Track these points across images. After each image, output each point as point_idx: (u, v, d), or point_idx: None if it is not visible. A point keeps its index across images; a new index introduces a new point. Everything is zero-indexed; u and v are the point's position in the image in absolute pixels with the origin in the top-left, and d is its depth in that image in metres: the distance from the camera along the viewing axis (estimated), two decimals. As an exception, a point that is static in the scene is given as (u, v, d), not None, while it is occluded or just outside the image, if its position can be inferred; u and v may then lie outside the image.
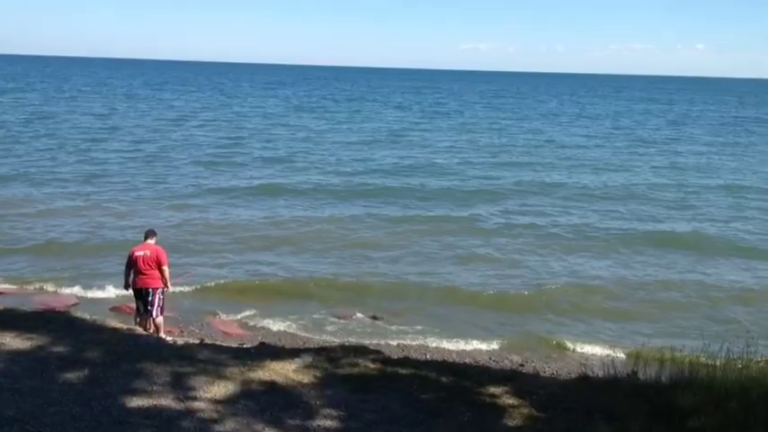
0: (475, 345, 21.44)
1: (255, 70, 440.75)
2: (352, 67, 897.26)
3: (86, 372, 11.51)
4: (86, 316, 18.30)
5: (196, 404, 10.48)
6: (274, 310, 23.73)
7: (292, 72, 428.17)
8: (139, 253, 18.63)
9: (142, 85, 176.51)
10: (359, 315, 23.54)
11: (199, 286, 25.23)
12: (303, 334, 21.73)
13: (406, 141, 69.73)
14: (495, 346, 21.49)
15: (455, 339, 21.68)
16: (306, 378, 12.04)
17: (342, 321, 23.13)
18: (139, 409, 10.17)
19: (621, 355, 20.35)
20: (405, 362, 14.50)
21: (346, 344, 19.15)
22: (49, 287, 24.92)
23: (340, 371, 12.80)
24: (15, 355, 12.31)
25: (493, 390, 11.97)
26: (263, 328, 22.18)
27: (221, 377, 11.67)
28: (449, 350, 20.89)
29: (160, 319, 18.92)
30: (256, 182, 44.76)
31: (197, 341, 18.03)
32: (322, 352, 15.00)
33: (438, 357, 19.15)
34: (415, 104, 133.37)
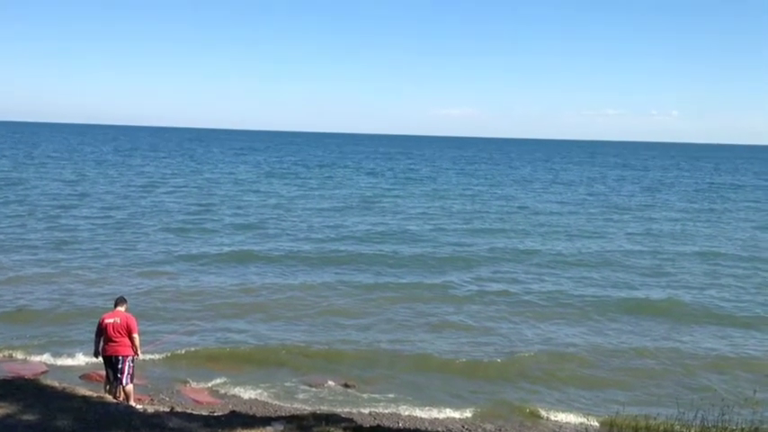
0: (448, 413, 21.27)
1: (226, 136, 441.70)
2: (324, 132, 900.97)
3: (55, 441, 11.31)
4: (56, 384, 18.09)
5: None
6: (245, 377, 23.53)
7: (263, 138, 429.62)
8: (109, 320, 18.46)
9: (112, 150, 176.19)
10: (330, 383, 23.37)
11: (169, 354, 24.97)
12: (274, 402, 21.51)
13: (378, 208, 69.69)
14: (468, 414, 21.33)
15: (428, 407, 21.50)
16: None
17: (313, 389, 22.94)
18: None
19: (596, 424, 20.27)
20: (377, 430, 14.37)
21: (318, 412, 19.00)
22: (19, 355, 24.62)
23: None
24: (-18, 424, 12.10)
25: (468, 459, 11.84)
26: (233, 395, 21.96)
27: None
28: (421, 418, 20.72)
29: (130, 387, 18.67)
30: (227, 249, 44.54)
31: (167, 409, 17.85)
32: (293, 420, 14.85)
33: (410, 426, 19.01)
34: (388, 170, 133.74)
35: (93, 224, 52.09)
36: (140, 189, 79.85)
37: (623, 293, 36.14)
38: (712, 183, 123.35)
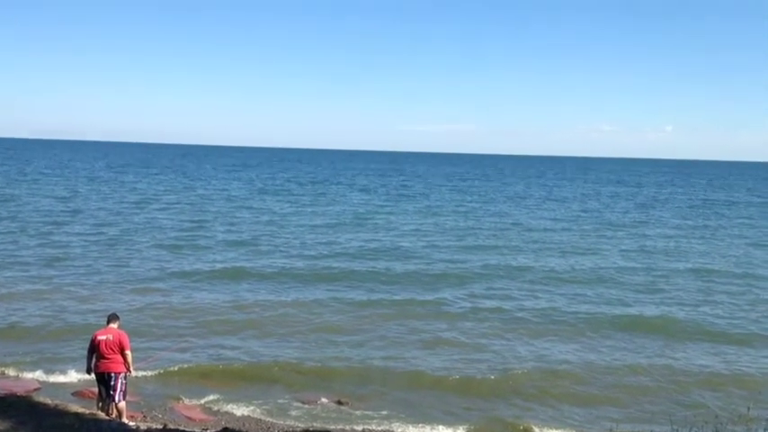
0: (441, 430, 21.27)
1: (218, 152, 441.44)
2: (317, 149, 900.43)
3: (47, 459, 11.26)
4: (48, 401, 18.05)
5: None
6: (238, 394, 23.47)
7: (255, 154, 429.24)
8: (102, 337, 18.46)
9: (104, 167, 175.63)
10: (324, 400, 23.31)
11: (162, 371, 24.90)
12: (267, 419, 21.45)
13: (371, 224, 69.56)
14: (461, 431, 21.30)
15: (421, 424, 21.49)
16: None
17: (306, 406, 22.88)
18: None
19: (590, 441, 20.24)
20: None
21: (311, 429, 18.97)
22: (11, 372, 24.55)
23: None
24: (-26, 441, 12.04)
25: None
26: (226, 412, 21.90)
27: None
28: (415, 435, 20.71)
29: (123, 404, 18.65)
30: (220, 265, 44.40)
31: (160, 426, 17.81)
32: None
33: (404, 443, 18.96)
34: (381, 187, 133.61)
35: (85, 241, 51.92)
36: (133, 205, 79.68)
37: (617, 310, 36.09)
38: (706, 199, 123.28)
